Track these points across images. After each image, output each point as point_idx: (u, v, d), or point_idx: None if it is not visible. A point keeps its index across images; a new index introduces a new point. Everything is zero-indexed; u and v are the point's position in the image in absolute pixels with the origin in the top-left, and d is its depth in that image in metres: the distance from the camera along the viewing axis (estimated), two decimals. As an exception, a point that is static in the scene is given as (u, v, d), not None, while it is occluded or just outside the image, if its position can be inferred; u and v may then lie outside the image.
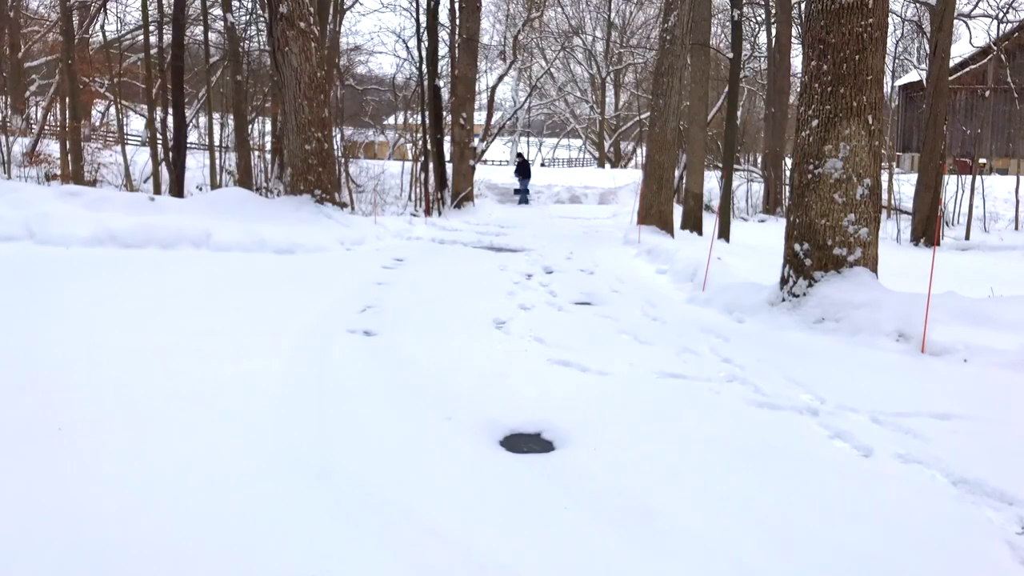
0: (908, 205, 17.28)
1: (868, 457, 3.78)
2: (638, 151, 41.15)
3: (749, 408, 4.49)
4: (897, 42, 29.89)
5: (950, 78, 17.91)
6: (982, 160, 21.96)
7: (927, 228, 15.40)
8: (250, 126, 20.15)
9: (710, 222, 13.67)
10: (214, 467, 3.40)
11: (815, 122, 7.02)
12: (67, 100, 19.02)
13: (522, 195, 25.21)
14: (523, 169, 25.55)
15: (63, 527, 2.83)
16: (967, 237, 16.76)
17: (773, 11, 22.46)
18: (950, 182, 17.97)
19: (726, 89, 17.95)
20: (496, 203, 23.83)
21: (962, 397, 4.75)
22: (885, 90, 23.64)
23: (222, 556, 2.72)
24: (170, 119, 16.31)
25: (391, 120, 35.42)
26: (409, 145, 26.29)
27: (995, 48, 22.64)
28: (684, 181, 17.11)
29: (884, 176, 17.64)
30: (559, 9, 37.85)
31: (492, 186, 26.65)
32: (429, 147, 20.03)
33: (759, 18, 27.91)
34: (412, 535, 2.91)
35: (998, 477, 3.49)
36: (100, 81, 22.02)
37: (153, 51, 19.21)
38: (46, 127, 21.91)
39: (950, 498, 3.36)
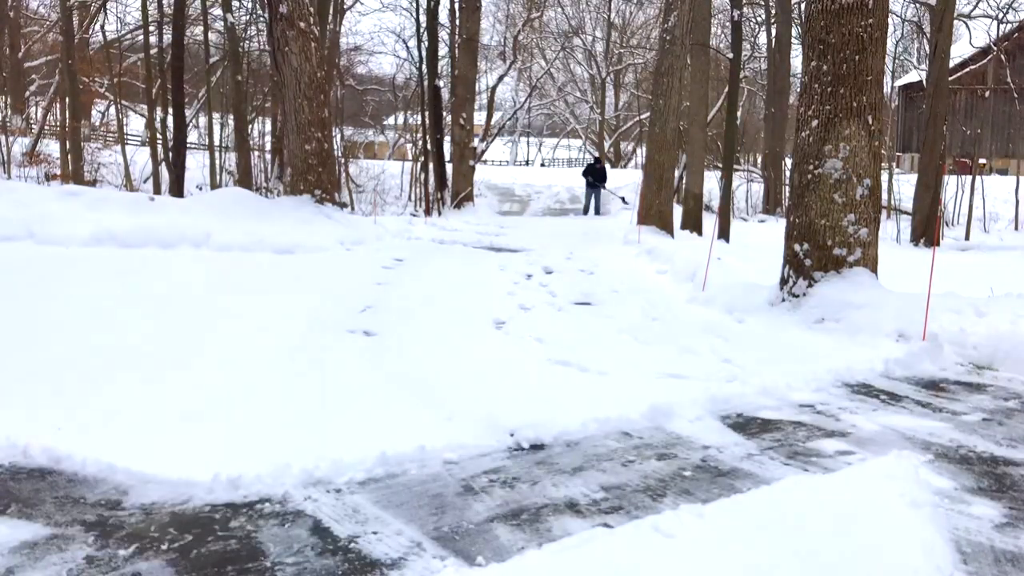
0: (908, 205, 17.26)
1: (866, 460, 3.78)
2: (638, 151, 41.10)
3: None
4: (897, 42, 29.89)
5: (950, 78, 17.91)
6: (982, 160, 21.94)
7: (927, 228, 15.38)
8: (250, 126, 20.15)
9: (710, 222, 13.67)
10: (215, 467, 3.40)
11: (815, 122, 7.02)
12: (67, 100, 19.02)
13: (588, 206, 20.59)
14: (594, 174, 20.68)
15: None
16: (967, 237, 16.75)
17: (773, 11, 22.45)
18: (950, 182, 17.95)
19: (726, 89, 17.95)
20: (496, 203, 23.83)
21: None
22: (885, 90, 23.63)
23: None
24: (170, 119, 16.32)
25: (391, 120, 35.44)
26: (409, 145, 26.31)
27: (995, 48, 22.63)
28: (684, 181, 17.10)
29: (884, 176, 17.62)
30: (559, 9, 37.84)
31: (492, 186, 26.63)
32: (429, 147, 20.03)
33: (759, 18, 27.91)
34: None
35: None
36: (100, 81, 22.03)
37: (153, 51, 19.21)
38: (46, 127, 21.91)
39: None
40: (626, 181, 27.10)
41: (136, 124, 28.86)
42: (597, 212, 20.58)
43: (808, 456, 3.77)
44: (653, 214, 14.43)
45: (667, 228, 14.37)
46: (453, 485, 3.33)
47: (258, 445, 3.67)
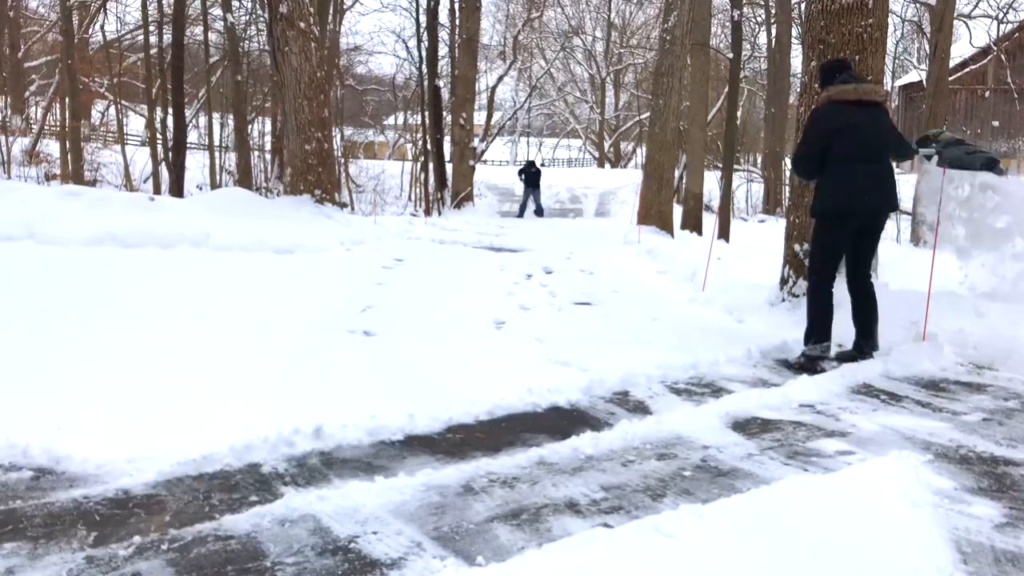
0: (908, 205, 17.27)
1: (866, 460, 3.78)
2: (638, 151, 41.13)
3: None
4: (897, 42, 29.92)
5: (950, 78, 17.93)
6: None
7: (927, 228, 15.37)
8: (250, 126, 20.17)
9: (710, 222, 13.68)
10: (214, 467, 3.40)
11: (815, 122, 7.00)
12: (67, 100, 19.05)
13: (522, 208, 21.18)
14: (528, 176, 21.27)
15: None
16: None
17: (773, 11, 22.47)
18: (950, 182, 17.92)
19: (726, 89, 17.96)
20: (496, 203, 23.84)
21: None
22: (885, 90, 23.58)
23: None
24: (170, 119, 16.34)
25: (391, 120, 35.48)
26: (409, 145, 26.34)
27: (995, 48, 22.65)
28: (684, 181, 17.12)
29: (884, 176, 17.55)
30: (559, 9, 37.86)
31: (492, 186, 26.65)
32: (429, 147, 20.06)
33: (759, 18, 27.96)
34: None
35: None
36: (100, 81, 22.05)
37: (153, 51, 19.25)
38: (46, 127, 21.93)
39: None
40: (625, 181, 27.16)
41: (136, 124, 28.88)
42: (520, 214, 20.75)
43: (808, 456, 3.77)
44: (653, 214, 14.45)
45: (667, 228, 14.39)
46: (453, 485, 3.33)
47: (258, 445, 3.67)
